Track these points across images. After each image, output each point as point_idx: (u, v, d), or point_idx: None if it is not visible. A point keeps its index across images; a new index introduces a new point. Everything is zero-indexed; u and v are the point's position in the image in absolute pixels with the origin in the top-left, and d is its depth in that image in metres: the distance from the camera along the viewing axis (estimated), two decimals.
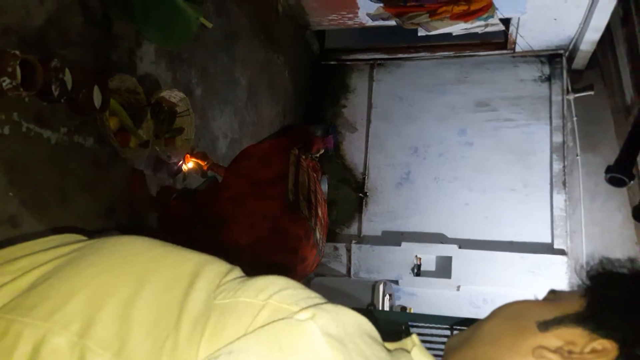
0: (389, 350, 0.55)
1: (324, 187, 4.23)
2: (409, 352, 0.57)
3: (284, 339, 0.48)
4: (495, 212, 4.58)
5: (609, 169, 3.12)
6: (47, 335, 0.54)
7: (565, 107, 4.61)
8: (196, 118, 2.99)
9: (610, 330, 0.56)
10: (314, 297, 0.56)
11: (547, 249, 4.37)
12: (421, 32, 4.34)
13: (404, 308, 4.21)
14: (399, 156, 4.92)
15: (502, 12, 4.10)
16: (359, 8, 4.41)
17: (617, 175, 2.96)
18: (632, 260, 0.64)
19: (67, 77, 1.95)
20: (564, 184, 4.48)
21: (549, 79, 4.75)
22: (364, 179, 4.96)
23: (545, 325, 0.60)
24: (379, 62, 5.21)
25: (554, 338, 0.59)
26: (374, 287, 4.03)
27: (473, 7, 3.98)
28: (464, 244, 4.48)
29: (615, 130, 4.40)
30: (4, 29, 1.82)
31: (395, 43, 5.16)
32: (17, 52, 1.74)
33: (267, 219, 2.07)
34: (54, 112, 2.04)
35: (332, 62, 5.34)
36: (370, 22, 4.58)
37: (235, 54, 3.65)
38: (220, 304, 0.56)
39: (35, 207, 1.98)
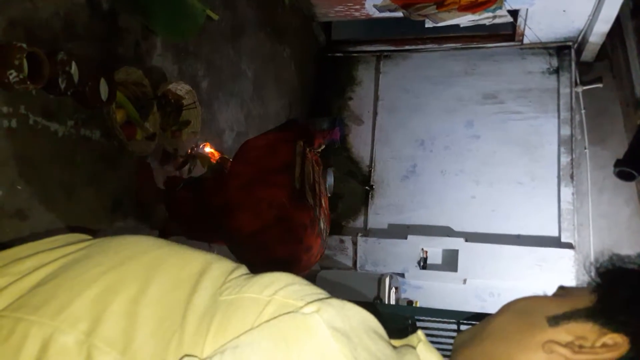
0: (395, 347, 0.55)
1: (330, 179, 4.23)
2: (414, 348, 0.57)
3: (290, 333, 0.48)
4: (502, 205, 4.56)
5: (617, 163, 3.10)
6: (55, 333, 0.55)
7: (573, 100, 4.57)
8: (202, 111, 2.99)
9: (621, 325, 0.56)
10: (319, 292, 0.56)
11: (554, 242, 4.35)
12: (428, 24, 4.31)
13: (410, 302, 4.21)
14: (405, 149, 4.90)
15: (510, 3, 4.06)
16: None
17: (626, 169, 2.94)
18: None
19: (74, 70, 1.95)
20: (572, 177, 4.45)
21: (557, 71, 4.71)
22: (370, 171, 4.95)
23: (555, 320, 0.60)
24: (385, 54, 5.18)
25: (564, 333, 0.59)
26: (380, 280, 4.03)
27: None
28: (471, 237, 4.47)
29: (624, 124, 4.37)
30: (10, 22, 1.82)
31: (402, 35, 5.13)
32: (24, 45, 1.74)
33: (273, 207, 2.07)
34: (60, 105, 2.04)
35: (339, 54, 5.31)
36: (377, 14, 4.55)
37: (242, 47, 3.64)
38: (226, 300, 0.56)
39: (42, 200, 1.98)
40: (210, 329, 0.53)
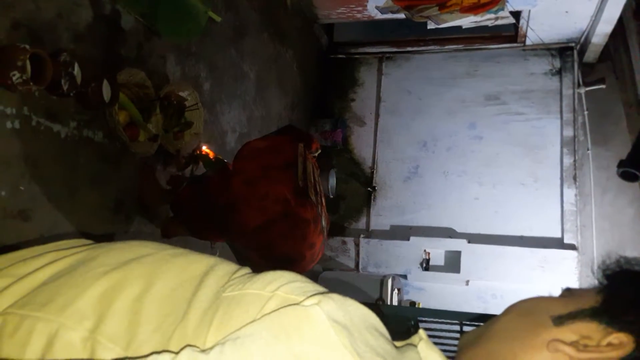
0: (397, 347, 0.55)
1: (332, 181, 4.22)
2: (416, 346, 0.57)
3: (290, 324, 0.49)
4: (505, 206, 4.56)
5: (621, 164, 3.09)
6: (60, 330, 0.55)
7: (576, 101, 4.56)
8: (205, 112, 2.99)
9: (627, 324, 0.56)
10: (321, 289, 0.57)
11: (557, 243, 4.34)
12: (430, 25, 4.31)
13: (413, 303, 4.20)
14: (407, 150, 4.90)
15: (513, 4, 4.06)
16: (367, 1, 4.38)
17: (630, 169, 2.94)
18: None
19: (77, 71, 1.96)
20: (575, 178, 4.44)
21: (559, 72, 4.70)
22: (372, 173, 4.95)
23: (560, 320, 0.60)
24: (387, 55, 5.18)
25: (569, 332, 0.58)
26: (382, 281, 4.02)
27: (483, 0, 3.94)
28: (473, 238, 4.47)
29: (627, 125, 4.36)
30: (14, 24, 1.82)
31: (404, 36, 5.13)
32: (27, 47, 1.74)
33: (278, 202, 2.08)
34: (63, 106, 2.04)
35: (341, 56, 5.32)
36: (379, 15, 4.55)
37: (244, 48, 3.65)
38: (229, 296, 0.57)
39: (45, 200, 1.99)
40: (212, 322, 0.53)
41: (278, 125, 4.33)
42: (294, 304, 0.51)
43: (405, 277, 4.52)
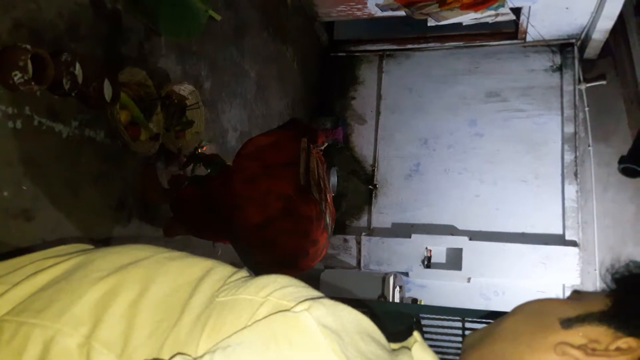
0: (393, 350, 0.55)
1: (333, 179, 4.23)
2: (410, 349, 0.57)
3: (279, 331, 0.48)
4: (506, 203, 4.56)
5: (622, 160, 3.09)
6: (56, 336, 0.55)
7: (577, 97, 4.56)
8: (206, 111, 2.99)
9: (636, 329, 0.56)
10: (314, 294, 0.56)
11: (558, 240, 4.35)
12: (431, 23, 4.31)
13: (415, 300, 4.21)
14: (408, 148, 4.90)
15: (513, 1, 4.06)
16: None
17: (631, 165, 2.94)
18: None
19: (78, 70, 1.96)
20: (576, 174, 4.44)
21: (560, 68, 4.70)
22: (373, 171, 4.95)
23: (568, 323, 0.59)
24: (388, 53, 5.18)
25: (577, 336, 0.58)
26: (384, 279, 4.02)
27: None
28: (475, 235, 4.47)
29: (627, 121, 4.35)
30: (15, 24, 1.82)
31: (405, 34, 5.13)
32: (29, 47, 1.74)
33: (280, 199, 2.08)
34: (65, 105, 2.05)
35: (341, 54, 5.32)
36: (379, 13, 4.54)
37: (244, 47, 3.64)
38: (222, 301, 0.57)
39: (47, 200, 1.99)
40: (205, 329, 0.53)
41: (279, 123, 4.32)
42: (285, 310, 0.51)
43: (406, 274, 4.53)
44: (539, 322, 0.61)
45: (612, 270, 0.64)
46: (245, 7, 3.62)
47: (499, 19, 4.26)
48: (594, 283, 4.22)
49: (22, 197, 1.88)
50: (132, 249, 0.69)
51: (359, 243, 4.66)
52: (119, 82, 2.21)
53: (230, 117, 3.53)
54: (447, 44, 5.01)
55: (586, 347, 0.56)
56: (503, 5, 4.01)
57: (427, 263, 4.47)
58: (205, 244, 2.59)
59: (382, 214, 4.85)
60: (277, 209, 2.06)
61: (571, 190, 4.43)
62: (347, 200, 4.92)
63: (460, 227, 4.59)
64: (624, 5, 3.96)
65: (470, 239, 4.42)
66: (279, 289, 0.56)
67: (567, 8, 4.22)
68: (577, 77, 4.60)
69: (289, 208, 2.06)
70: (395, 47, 5.16)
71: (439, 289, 4.53)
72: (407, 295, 4.49)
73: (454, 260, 4.46)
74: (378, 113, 5.06)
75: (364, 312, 0.54)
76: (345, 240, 4.72)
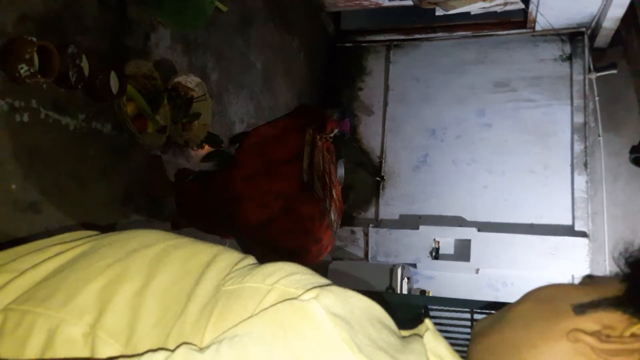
0: (404, 337, 0.54)
1: (340, 171, 4.21)
2: (421, 336, 0.56)
3: (287, 320, 0.47)
4: (514, 194, 4.53)
5: (633, 149, 3.06)
6: (61, 325, 0.55)
7: (587, 87, 4.51)
8: (212, 103, 2.98)
9: None
10: (322, 282, 0.55)
11: (567, 231, 4.32)
12: (439, 12, 4.26)
13: (423, 292, 4.20)
14: (416, 139, 4.87)
15: None
16: None
17: None
18: None
19: (84, 63, 1.95)
20: (586, 165, 4.40)
21: (570, 57, 4.64)
22: (380, 162, 4.93)
23: (581, 308, 0.57)
24: (395, 43, 5.14)
25: (591, 322, 0.56)
26: (392, 270, 4.02)
27: None
28: (483, 226, 4.45)
29: (638, 110, 4.30)
30: (21, 16, 1.82)
31: (412, 23, 5.08)
32: (34, 39, 1.74)
33: (279, 198, 2.07)
34: (71, 98, 2.04)
35: (348, 44, 5.28)
36: (386, 3, 4.51)
37: (251, 38, 3.63)
38: (228, 290, 0.56)
39: (55, 193, 1.99)
40: (210, 318, 0.52)
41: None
42: (292, 298, 0.50)
43: (414, 266, 4.52)
44: (551, 308, 0.60)
45: (625, 254, 0.62)
46: None
47: (508, 7, 4.21)
48: (604, 273, 4.18)
49: (30, 190, 1.88)
50: (139, 235, 0.68)
51: (366, 235, 4.65)
52: (126, 74, 2.21)
53: (237, 108, 3.52)
54: (455, 34, 4.96)
55: (600, 334, 0.55)
56: None
57: (435, 254, 4.46)
58: (214, 236, 2.59)
59: (390, 205, 4.83)
60: (277, 208, 2.04)
61: (581, 180, 4.39)
62: (355, 192, 4.91)
63: (468, 218, 4.57)
64: None
65: (478, 230, 4.40)
66: (286, 277, 0.55)
67: None
68: (587, 66, 4.54)
69: (290, 207, 2.04)
70: (402, 37, 5.12)
71: (447, 281, 4.51)
72: (415, 286, 4.48)
73: (462, 251, 4.44)
74: (385, 104, 5.03)
75: (375, 299, 0.54)
76: (353, 232, 4.71)
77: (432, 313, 2.33)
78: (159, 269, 0.60)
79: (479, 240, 4.36)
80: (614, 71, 4.45)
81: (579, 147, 4.44)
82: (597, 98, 4.50)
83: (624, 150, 4.26)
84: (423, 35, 5.06)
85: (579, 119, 4.49)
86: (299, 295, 0.50)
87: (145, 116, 2.41)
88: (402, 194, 4.82)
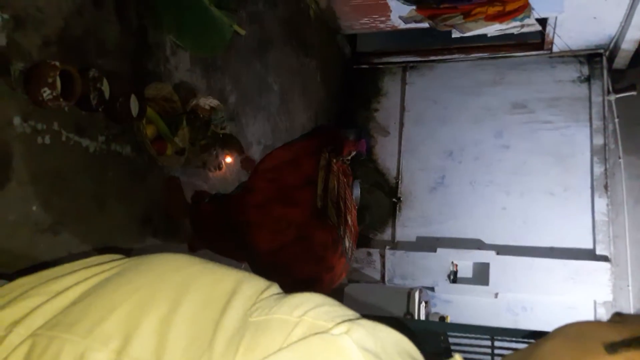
0: None
1: (356, 191, 4.18)
2: None
3: (319, 354, 0.47)
4: (533, 216, 4.46)
5: None
6: (87, 351, 0.55)
7: (606, 108, 4.46)
8: (231, 125, 3.00)
9: None
10: (350, 314, 0.55)
11: (588, 255, 4.23)
12: (455, 34, 4.28)
13: (442, 317, 4.13)
14: (433, 160, 4.85)
15: (539, 12, 4.00)
16: (391, 11, 4.37)
17: None
18: None
19: (105, 86, 1.98)
20: (606, 187, 4.33)
21: (588, 79, 4.61)
22: (397, 183, 4.91)
23: (613, 347, 0.56)
24: (411, 64, 5.15)
25: None
26: (409, 294, 3.97)
27: (508, 8, 3.89)
28: (502, 250, 4.38)
29: None
30: (44, 41, 1.85)
31: (429, 45, 5.10)
32: (57, 64, 1.77)
33: (292, 226, 2.05)
34: (92, 121, 2.07)
35: (364, 66, 5.31)
36: (402, 25, 4.53)
37: (268, 60, 3.66)
38: (255, 322, 0.55)
39: (74, 215, 2.01)
40: (239, 349, 0.52)
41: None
42: (322, 332, 0.49)
43: (432, 289, 4.46)
44: (582, 346, 0.58)
45: None
46: (269, 22, 3.64)
47: (525, 30, 4.21)
48: (628, 299, 4.09)
49: (50, 212, 1.90)
50: (163, 259, 0.68)
51: (383, 257, 4.61)
52: (145, 97, 2.24)
53: (254, 130, 3.54)
54: (471, 55, 4.96)
55: None
56: (529, 16, 3.96)
57: (453, 278, 4.39)
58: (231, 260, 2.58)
59: (407, 227, 4.79)
60: (290, 235, 2.03)
61: (601, 203, 4.32)
62: (371, 213, 4.87)
63: (486, 241, 4.51)
64: None
65: (497, 254, 4.33)
66: (313, 309, 0.54)
67: (594, 18, 4.14)
68: (606, 87, 4.50)
69: (303, 235, 2.03)
70: (418, 58, 5.14)
71: (466, 305, 4.43)
72: (433, 310, 4.41)
73: (481, 275, 4.37)
74: (401, 125, 5.02)
75: (402, 332, 0.53)
76: (369, 254, 4.67)
77: (450, 339, 2.29)
78: (185, 295, 0.60)
79: (498, 264, 4.29)
80: (634, 92, 4.41)
81: (599, 169, 4.38)
82: (616, 120, 4.45)
83: None
84: (439, 57, 5.07)
85: (599, 140, 4.43)
86: (329, 329, 0.50)
87: (165, 138, 2.43)
88: (418, 216, 4.77)
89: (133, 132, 2.28)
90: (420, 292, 4.07)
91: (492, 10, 3.91)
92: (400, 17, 4.39)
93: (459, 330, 2.30)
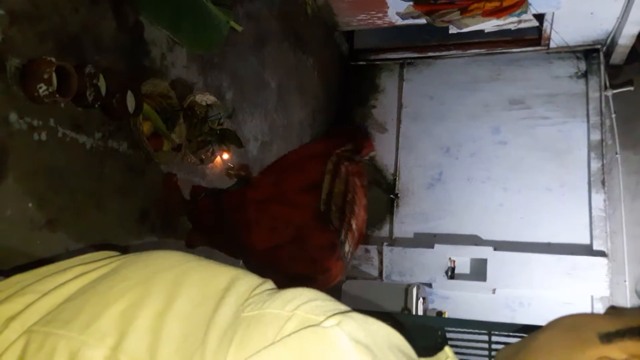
0: None
1: None
2: None
3: (310, 347, 0.47)
4: (531, 212, 4.47)
5: None
6: (82, 348, 0.55)
7: (603, 104, 4.47)
8: (227, 122, 3.00)
9: None
10: (343, 308, 0.55)
11: (586, 250, 4.24)
12: (452, 30, 4.28)
13: (439, 312, 4.14)
14: (430, 156, 4.85)
15: (536, 7, 4.00)
16: (388, 7, 4.36)
17: None
18: None
19: (101, 82, 1.97)
20: (603, 183, 4.34)
21: (585, 75, 4.61)
22: (394, 180, 4.91)
23: (608, 337, 0.57)
24: (408, 61, 5.15)
25: (617, 350, 0.55)
26: (407, 290, 3.97)
27: (506, 3, 3.89)
28: (499, 245, 4.39)
29: None
30: (40, 37, 1.85)
31: (426, 41, 5.10)
32: (53, 59, 1.77)
33: (290, 227, 2.06)
34: (88, 117, 2.06)
35: (361, 63, 5.31)
36: (400, 21, 4.53)
37: (265, 57, 3.66)
38: (248, 316, 0.55)
39: (71, 211, 2.00)
40: (231, 344, 0.52)
41: (299, 133, 4.33)
42: (314, 325, 0.50)
43: (430, 285, 4.46)
44: (577, 336, 0.59)
45: None
46: (265, 18, 3.63)
47: (522, 25, 4.21)
48: (625, 294, 4.10)
49: (47, 209, 1.89)
50: (158, 256, 0.69)
51: (380, 253, 4.61)
52: (142, 93, 2.23)
53: (252, 127, 3.54)
54: (468, 52, 4.96)
55: None
56: (526, 12, 3.96)
57: (451, 274, 4.40)
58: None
59: (404, 223, 4.79)
60: (286, 235, 2.04)
61: (598, 199, 4.32)
62: (368, 210, 4.87)
63: (484, 237, 4.52)
64: None
65: (494, 249, 4.34)
66: (306, 303, 0.54)
67: (591, 13, 4.14)
68: (603, 83, 4.51)
69: (300, 236, 2.03)
70: (415, 55, 5.13)
71: (463, 301, 4.44)
72: (431, 306, 4.42)
73: (479, 271, 4.38)
74: (399, 121, 5.02)
75: (393, 327, 0.53)
76: (367, 251, 4.68)
77: (448, 335, 2.29)
78: (179, 292, 0.61)
79: (495, 260, 4.29)
80: (631, 88, 4.41)
81: (596, 165, 4.39)
82: (613, 115, 4.45)
83: None
84: (436, 53, 5.07)
85: (596, 136, 4.44)
86: (321, 322, 0.50)
87: (161, 135, 2.43)
88: (416, 212, 4.78)
89: (129, 129, 2.28)
90: (418, 288, 4.07)
91: (489, 5, 3.90)
92: (398, 13, 4.38)
93: (456, 325, 2.30)
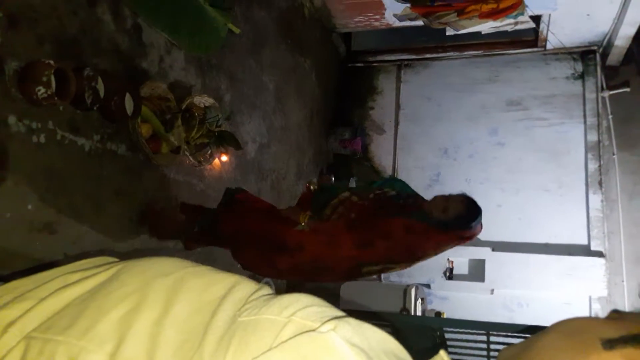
0: None
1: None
2: None
3: (308, 352, 0.47)
4: (529, 213, 4.48)
5: None
6: (81, 353, 0.56)
7: (599, 105, 4.48)
8: (226, 123, 3.01)
9: None
10: (339, 314, 0.55)
11: (583, 251, 4.25)
12: (449, 32, 4.29)
13: (438, 313, 4.14)
14: (428, 158, 4.86)
15: (532, 9, 4.02)
16: (385, 9, 4.37)
17: None
18: None
19: (100, 85, 1.98)
20: (600, 183, 4.35)
21: (582, 76, 4.63)
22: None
23: (610, 344, 0.56)
24: (406, 62, 5.16)
25: (620, 357, 0.55)
26: (405, 291, 3.97)
27: (502, 5, 3.91)
28: (498, 246, 4.39)
29: None
30: (39, 40, 1.85)
31: (423, 43, 5.11)
32: (52, 62, 1.77)
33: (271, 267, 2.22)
34: (87, 119, 2.07)
35: (359, 64, 5.31)
36: (397, 23, 4.54)
37: (263, 59, 3.66)
38: (244, 322, 0.56)
39: (70, 213, 2.00)
40: (229, 349, 0.52)
41: (297, 135, 4.33)
42: (310, 331, 0.50)
43: (428, 286, 4.47)
44: (579, 341, 0.58)
45: None
46: (263, 20, 3.64)
47: (519, 27, 4.22)
48: (622, 294, 4.11)
49: (46, 211, 1.89)
50: (156, 262, 0.69)
51: None
52: (140, 95, 2.23)
53: (250, 128, 3.54)
54: (465, 53, 4.97)
55: None
56: (522, 14, 3.98)
57: (449, 274, 4.40)
58: (225, 254, 2.57)
59: None
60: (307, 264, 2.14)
61: (596, 199, 4.34)
62: None
63: (482, 237, 4.51)
64: None
65: (492, 250, 4.35)
66: (302, 309, 0.55)
67: (588, 15, 4.16)
68: (599, 84, 4.52)
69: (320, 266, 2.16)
70: (413, 56, 5.14)
71: (462, 301, 4.45)
72: (429, 307, 4.42)
73: (477, 271, 4.38)
74: (397, 123, 5.03)
75: (387, 331, 0.53)
76: None
77: (446, 335, 2.30)
78: (177, 298, 0.61)
79: (494, 260, 4.30)
80: (627, 89, 4.42)
81: (593, 165, 4.40)
82: (610, 116, 4.47)
83: (639, 169, 4.22)
84: (434, 55, 5.08)
85: (593, 137, 4.45)
86: (317, 328, 0.50)
87: (160, 137, 2.43)
88: None
89: (128, 131, 2.28)
90: (417, 289, 4.07)
91: (486, 7, 3.92)
92: (395, 15, 4.40)
93: (455, 325, 2.31)
